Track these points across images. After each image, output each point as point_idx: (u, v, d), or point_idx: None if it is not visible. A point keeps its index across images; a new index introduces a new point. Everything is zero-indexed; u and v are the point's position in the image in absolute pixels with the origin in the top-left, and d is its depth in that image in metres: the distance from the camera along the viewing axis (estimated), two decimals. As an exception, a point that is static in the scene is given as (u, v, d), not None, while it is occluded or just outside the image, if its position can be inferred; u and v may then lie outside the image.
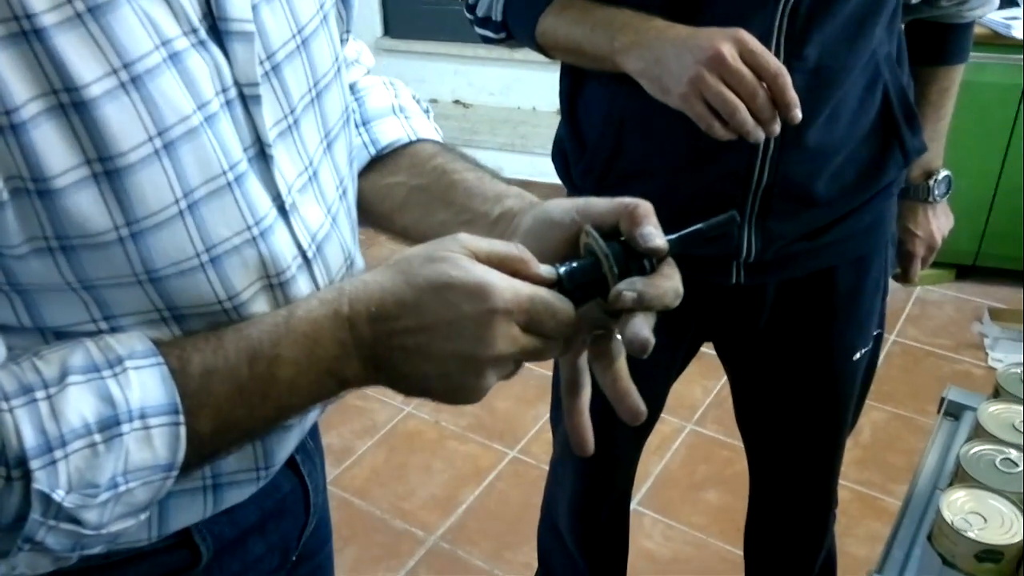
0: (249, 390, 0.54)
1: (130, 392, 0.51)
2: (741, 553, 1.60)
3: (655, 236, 0.56)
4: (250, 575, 0.76)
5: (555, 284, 0.56)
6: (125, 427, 0.51)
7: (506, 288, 0.53)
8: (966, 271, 2.75)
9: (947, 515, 0.78)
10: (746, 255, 1.08)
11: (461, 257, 0.54)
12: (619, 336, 0.57)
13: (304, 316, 0.55)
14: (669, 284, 0.57)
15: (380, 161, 0.75)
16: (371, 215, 0.75)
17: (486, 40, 1.17)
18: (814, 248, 1.11)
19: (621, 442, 1.33)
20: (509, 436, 2.19)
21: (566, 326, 0.55)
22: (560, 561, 1.50)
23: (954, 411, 1.09)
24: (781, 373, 1.25)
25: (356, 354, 0.55)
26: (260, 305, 0.60)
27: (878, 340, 1.26)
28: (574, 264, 0.57)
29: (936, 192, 1.24)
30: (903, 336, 2.54)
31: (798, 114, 0.89)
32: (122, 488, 0.51)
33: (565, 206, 0.60)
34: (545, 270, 0.56)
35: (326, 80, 0.65)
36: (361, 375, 0.56)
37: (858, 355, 1.22)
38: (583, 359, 0.61)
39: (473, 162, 0.73)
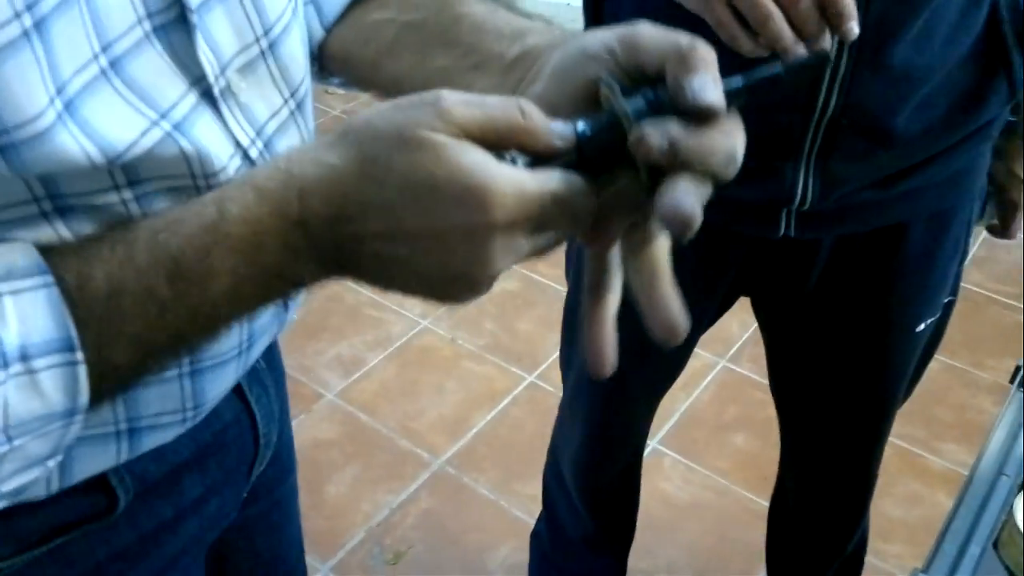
0: (174, 311, 0.41)
1: (5, 329, 0.39)
2: (764, 503, 1.48)
3: (708, 88, 0.39)
4: (189, 521, 0.65)
5: (573, 151, 0.40)
6: None
7: (508, 193, 0.39)
8: (1042, 213, 2.52)
9: (1021, 521, 0.63)
10: (799, 202, 0.89)
11: (446, 141, 0.39)
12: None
13: (240, 215, 0.41)
14: (721, 140, 0.40)
15: None
16: (353, 66, 0.60)
17: None
18: (885, 198, 0.92)
19: (636, 392, 1.19)
20: (528, 360, 2.07)
21: (586, 219, 0.41)
22: (565, 510, 1.40)
23: (1032, 383, 0.92)
24: (828, 343, 1.08)
25: (312, 256, 0.42)
26: (167, 202, 0.47)
27: (948, 307, 1.08)
28: (595, 122, 0.41)
29: None
30: (965, 280, 2.32)
31: (854, 28, 0.69)
32: (3, 448, 0.40)
33: (604, 37, 0.44)
34: (559, 132, 0.40)
35: None
36: (322, 274, 0.43)
37: (922, 326, 1.04)
38: (614, 253, 0.45)
39: None
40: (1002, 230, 1.11)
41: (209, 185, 0.48)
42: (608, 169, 0.41)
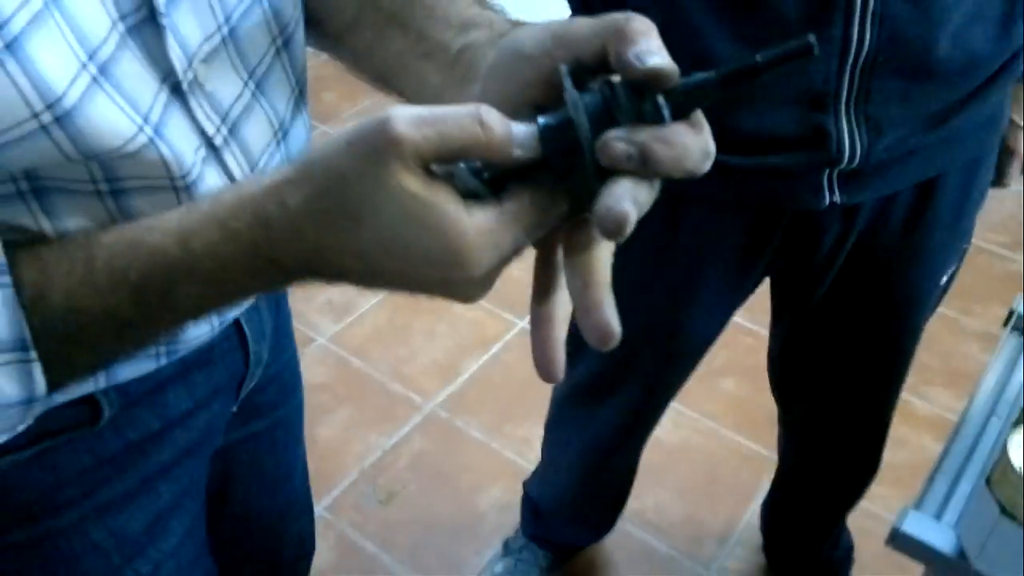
0: (136, 327, 0.44)
1: None
2: (753, 446, 1.50)
3: (651, 52, 0.37)
4: (176, 433, 0.66)
5: (538, 153, 0.39)
6: None
7: (485, 247, 0.38)
8: (1034, 162, 2.52)
9: (1015, 458, 0.64)
10: (849, 159, 0.83)
11: (412, 192, 0.37)
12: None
13: (206, 251, 0.41)
14: (694, 139, 0.38)
15: None
16: (320, 34, 0.60)
17: None
18: (928, 144, 0.86)
19: (668, 388, 1.21)
20: (520, 306, 2.06)
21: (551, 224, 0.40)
22: (564, 473, 1.40)
23: (1025, 326, 0.93)
24: (853, 314, 1.04)
25: (286, 278, 0.44)
26: (147, 201, 0.49)
27: (963, 255, 1.06)
28: (555, 119, 0.38)
29: None
30: (955, 228, 2.34)
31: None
32: None
33: (539, 35, 0.42)
34: (520, 141, 0.38)
35: None
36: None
37: (945, 277, 1.02)
38: (558, 256, 0.44)
39: None
40: (997, 177, 1.08)
41: (186, 186, 0.49)
42: (571, 164, 0.39)
